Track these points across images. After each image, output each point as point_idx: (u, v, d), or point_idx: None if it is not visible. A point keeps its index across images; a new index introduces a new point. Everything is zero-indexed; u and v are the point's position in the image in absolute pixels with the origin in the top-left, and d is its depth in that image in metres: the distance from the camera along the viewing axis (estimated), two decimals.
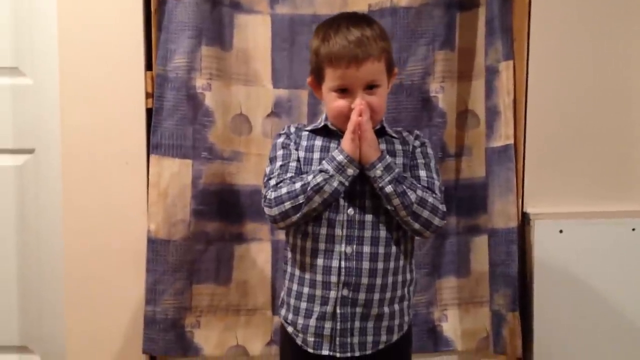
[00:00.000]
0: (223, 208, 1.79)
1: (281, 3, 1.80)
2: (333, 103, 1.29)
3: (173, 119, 1.72)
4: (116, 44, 1.72)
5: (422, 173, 1.33)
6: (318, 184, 1.24)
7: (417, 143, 1.38)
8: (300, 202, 1.25)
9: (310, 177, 1.26)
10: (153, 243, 1.72)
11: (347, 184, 1.26)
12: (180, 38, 1.71)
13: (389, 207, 1.27)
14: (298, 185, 1.26)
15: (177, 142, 1.73)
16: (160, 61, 1.71)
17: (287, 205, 1.26)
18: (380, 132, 1.34)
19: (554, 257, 1.73)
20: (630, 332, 1.74)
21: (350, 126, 1.25)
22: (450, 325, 1.84)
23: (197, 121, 1.74)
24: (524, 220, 1.76)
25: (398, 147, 1.36)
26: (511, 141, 1.72)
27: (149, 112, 1.74)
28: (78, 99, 1.73)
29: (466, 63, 1.82)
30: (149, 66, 1.74)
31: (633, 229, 1.73)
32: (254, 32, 1.80)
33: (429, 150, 1.39)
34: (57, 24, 1.73)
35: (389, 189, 1.25)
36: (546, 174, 1.77)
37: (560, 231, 1.73)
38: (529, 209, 1.76)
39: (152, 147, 1.72)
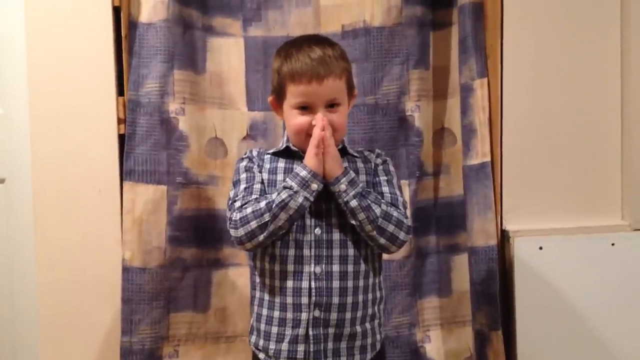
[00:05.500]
0: (200, 234, 1.76)
1: (254, 26, 1.80)
2: (294, 120, 1.29)
3: (146, 145, 1.70)
4: (86, 69, 1.71)
5: (385, 189, 1.34)
6: (283, 200, 1.23)
7: (378, 161, 1.39)
8: (266, 220, 1.24)
9: (274, 195, 1.25)
10: (128, 272, 1.69)
11: (312, 199, 1.25)
12: (152, 62, 1.69)
13: (354, 223, 1.26)
14: (263, 204, 1.25)
15: (151, 168, 1.70)
16: (132, 86, 1.70)
17: (253, 224, 1.24)
18: (342, 152, 1.34)
19: (535, 274, 1.71)
20: (613, 347, 1.72)
21: (313, 141, 1.25)
22: (434, 346, 1.81)
23: (171, 146, 1.72)
24: (504, 237, 1.75)
25: (360, 165, 1.37)
26: (488, 158, 1.72)
27: (121, 138, 1.72)
28: (48, 126, 1.71)
29: (441, 81, 1.83)
30: (120, 92, 1.73)
31: (613, 244, 1.72)
32: (228, 55, 1.80)
33: (391, 168, 1.40)
34: (25, 51, 1.71)
35: (353, 203, 1.25)
36: (524, 191, 1.76)
37: (540, 248, 1.71)
38: (508, 226, 1.75)
39: (125, 173, 1.70)
